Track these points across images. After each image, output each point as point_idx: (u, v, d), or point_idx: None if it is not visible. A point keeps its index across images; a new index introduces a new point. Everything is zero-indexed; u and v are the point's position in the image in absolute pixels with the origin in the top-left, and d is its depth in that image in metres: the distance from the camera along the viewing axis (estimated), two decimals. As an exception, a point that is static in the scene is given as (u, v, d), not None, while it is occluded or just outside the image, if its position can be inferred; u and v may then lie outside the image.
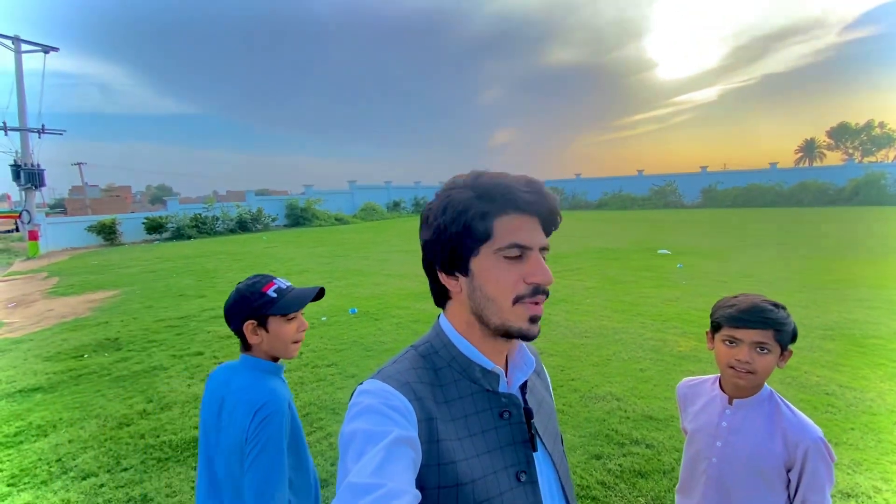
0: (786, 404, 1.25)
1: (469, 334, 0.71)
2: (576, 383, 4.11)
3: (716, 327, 1.30)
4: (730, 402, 1.29)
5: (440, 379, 0.69)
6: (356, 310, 6.91)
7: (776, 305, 1.22)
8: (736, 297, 1.29)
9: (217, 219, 24.20)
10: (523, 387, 0.77)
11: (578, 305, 6.78)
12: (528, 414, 0.73)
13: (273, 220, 26.91)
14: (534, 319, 0.67)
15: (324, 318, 6.50)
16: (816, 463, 1.15)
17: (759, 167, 33.95)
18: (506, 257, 0.67)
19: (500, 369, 0.72)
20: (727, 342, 1.25)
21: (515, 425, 0.71)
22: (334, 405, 3.82)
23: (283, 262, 12.49)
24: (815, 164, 60.09)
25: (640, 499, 2.57)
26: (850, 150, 62.67)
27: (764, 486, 1.21)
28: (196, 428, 3.52)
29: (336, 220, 28.58)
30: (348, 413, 0.62)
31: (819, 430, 1.19)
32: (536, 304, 0.67)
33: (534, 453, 0.71)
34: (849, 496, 2.50)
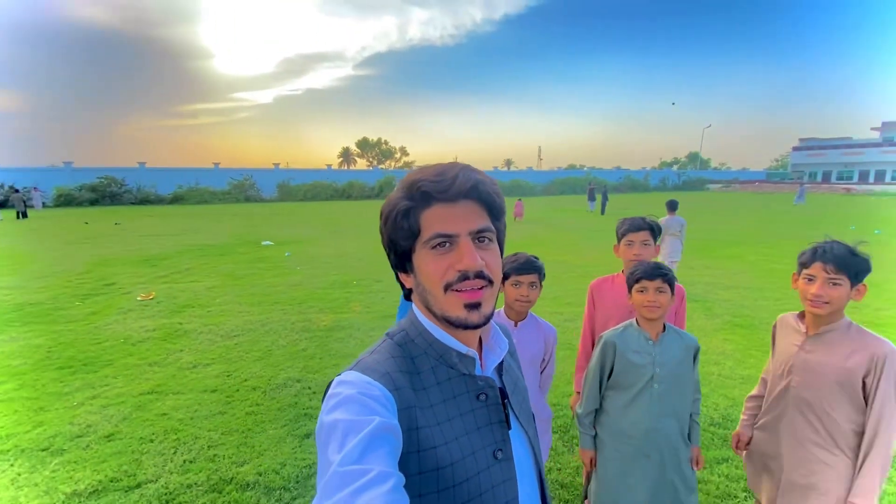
0: (536, 317, 1.94)
1: (436, 322, 0.72)
2: (252, 381, 3.98)
3: (506, 276, 1.80)
4: (515, 325, 1.89)
5: (417, 367, 0.70)
6: None
7: (536, 258, 1.85)
8: (515, 254, 1.84)
9: None
10: (499, 368, 0.80)
11: (210, 308, 6.24)
12: (504, 394, 0.76)
13: None
14: (471, 306, 0.67)
15: None
16: (554, 346, 1.96)
17: (317, 167, 40.36)
18: (433, 248, 0.68)
19: (474, 352, 0.73)
20: (514, 285, 1.82)
21: (492, 406, 0.73)
22: None
23: None
24: (351, 168, 77.37)
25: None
26: (371, 159, 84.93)
27: (535, 371, 1.92)
28: None
29: None
30: (326, 404, 0.61)
31: (553, 326, 1.98)
32: (470, 290, 0.67)
33: (509, 431, 0.74)
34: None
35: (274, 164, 38.06)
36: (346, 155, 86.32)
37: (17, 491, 2.56)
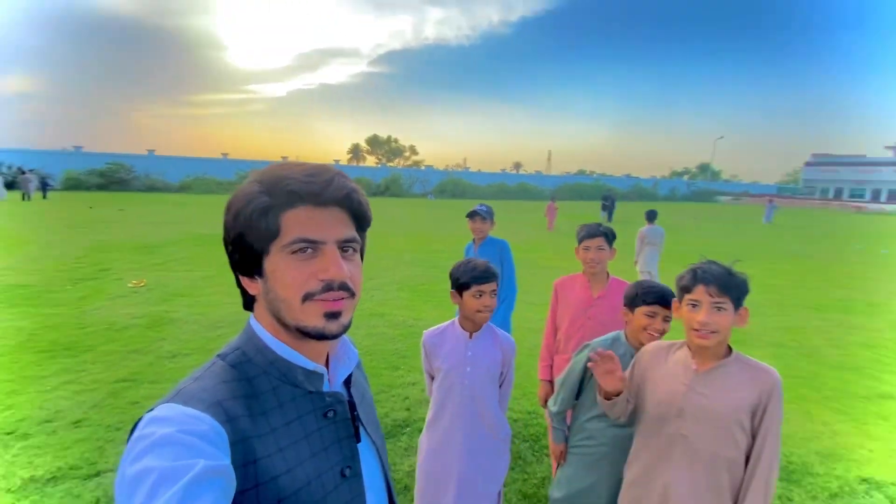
0: (494, 327, 1.82)
1: (281, 336, 0.66)
2: (228, 374, 3.95)
3: (465, 286, 1.70)
4: (470, 337, 1.77)
5: (256, 389, 0.63)
6: None
7: (491, 267, 1.74)
8: (468, 261, 1.75)
9: None
10: (347, 381, 0.76)
11: (199, 297, 6.24)
12: (352, 407, 0.73)
13: None
14: (331, 315, 0.63)
15: None
16: (513, 356, 1.83)
17: (325, 162, 40.52)
18: (294, 253, 0.62)
19: (322, 368, 0.68)
20: (476, 296, 1.69)
21: (340, 422, 0.69)
22: None
23: None
24: (360, 164, 77.48)
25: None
26: (380, 157, 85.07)
27: (494, 385, 1.80)
28: None
29: None
30: (131, 451, 0.50)
31: (511, 337, 1.84)
32: (332, 300, 0.63)
33: (358, 444, 0.72)
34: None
35: (282, 157, 38.23)
36: (355, 151, 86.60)
37: (-28, 474, 2.53)
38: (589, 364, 1.45)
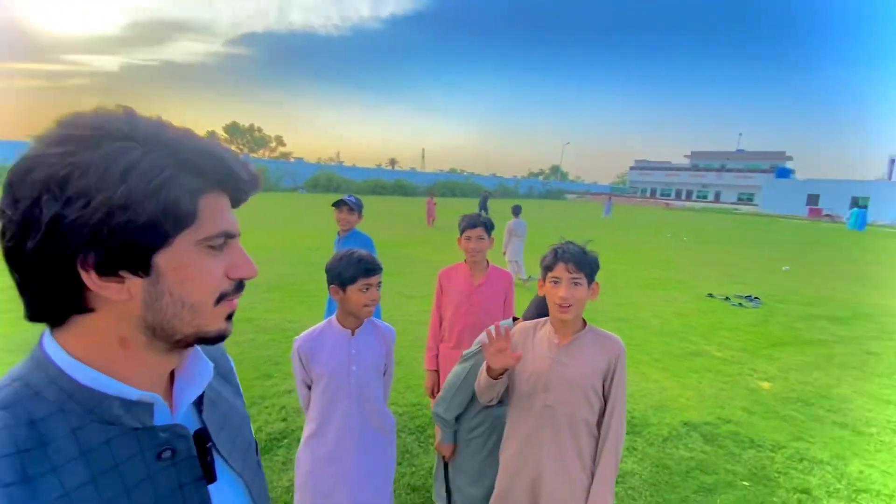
0: (374, 320, 1.76)
1: (108, 357, 0.50)
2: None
3: (351, 280, 1.60)
4: (352, 334, 1.68)
5: (44, 435, 0.46)
6: None
7: (377, 258, 1.67)
8: (350, 253, 1.64)
9: None
10: (199, 402, 0.61)
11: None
12: (206, 438, 0.58)
13: None
14: (230, 315, 0.57)
15: None
16: (393, 345, 1.78)
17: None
18: (211, 247, 0.52)
19: (153, 395, 0.53)
20: (363, 289, 1.60)
21: (182, 462, 0.54)
22: None
23: None
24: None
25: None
26: (241, 146, 77.34)
27: (379, 380, 1.74)
28: None
29: None
30: None
31: (391, 326, 1.81)
32: (234, 299, 0.57)
33: (214, 484, 0.57)
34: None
35: (112, 142, 32.04)
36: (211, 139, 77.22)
37: None
38: (482, 344, 1.48)
